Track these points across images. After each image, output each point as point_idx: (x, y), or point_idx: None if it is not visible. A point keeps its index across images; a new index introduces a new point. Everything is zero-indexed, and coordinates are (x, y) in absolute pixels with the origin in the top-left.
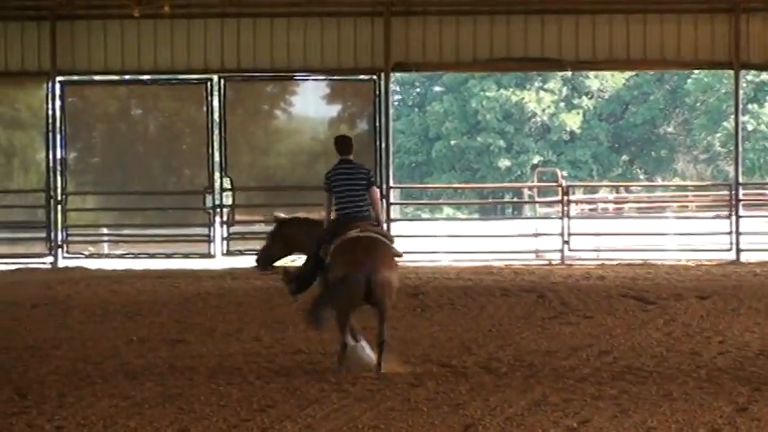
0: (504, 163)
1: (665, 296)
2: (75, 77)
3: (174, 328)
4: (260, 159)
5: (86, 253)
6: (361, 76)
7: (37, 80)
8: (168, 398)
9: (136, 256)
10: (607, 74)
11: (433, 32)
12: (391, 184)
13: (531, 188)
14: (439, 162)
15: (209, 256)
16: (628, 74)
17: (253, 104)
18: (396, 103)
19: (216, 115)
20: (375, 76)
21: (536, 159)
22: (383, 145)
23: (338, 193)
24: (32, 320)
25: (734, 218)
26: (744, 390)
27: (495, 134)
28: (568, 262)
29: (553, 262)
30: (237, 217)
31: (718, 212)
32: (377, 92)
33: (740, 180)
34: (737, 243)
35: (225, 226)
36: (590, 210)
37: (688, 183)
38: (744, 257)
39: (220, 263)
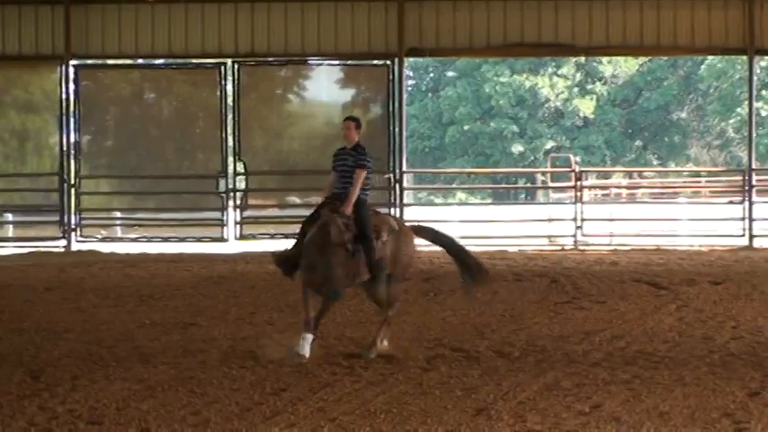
0: (518, 148)
1: (678, 281)
2: (89, 61)
3: (187, 312)
4: (273, 144)
5: (99, 236)
6: (375, 61)
7: (51, 64)
8: (181, 381)
9: (149, 239)
10: (620, 59)
11: (447, 18)
12: (404, 168)
13: (544, 173)
14: (452, 147)
15: (222, 240)
16: (641, 59)
17: (266, 89)
18: (409, 88)
19: (230, 99)
20: (389, 61)
21: (549, 145)
22: (396, 130)
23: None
24: (46, 303)
25: (747, 203)
26: (756, 375)
27: (509, 119)
28: (581, 247)
29: (566, 247)
30: (251, 201)
31: (732, 198)
32: (390, 77)
33: (753, 166)
34: (750, 228)
35: (238, 210)
36: (603, 195)
37: (701, 168)
38: (757, 243)
39: (233, 247)
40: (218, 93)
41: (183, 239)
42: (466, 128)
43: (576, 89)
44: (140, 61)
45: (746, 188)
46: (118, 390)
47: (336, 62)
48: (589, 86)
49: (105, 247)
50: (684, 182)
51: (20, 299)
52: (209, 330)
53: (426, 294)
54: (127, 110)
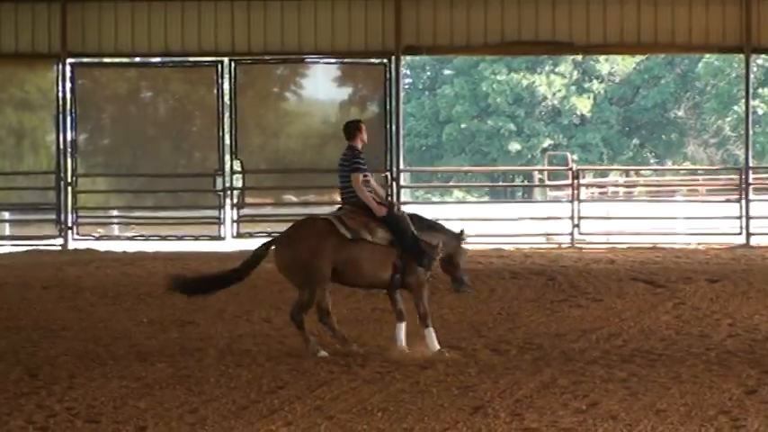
0: (515, 146)
1: (675, 279)
2: (86, 59)
3: (185, 310)
4: (270, 142)
5: (96, 235)
6: (372, 60)
7: (47, 62)
8: (178, 379)
9: (146, 238)
10: (618, 57)
11: (444, 15)
12: (401, 167)
13: (541, 171)
14: (449, 145)
15: (219, 238)
16: (638, 57)
17: (263, 87)
18: (406, 87)
19: (226, 98)
20: (386, 60)
21: (546, 143)
22: (393, 128)
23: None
24: (43, 302)
25: (744, 202)
26: (753, 372)
27: (506, 117)
28: (578, 245)
29: (563, 245)
30: (248, 199)
31: (728, 196)
32: (387, 75)
33: (750, 164)
34: (747, 227)
35: (235, 208)
36: (600, 193)
37: (698, 167)
38: (754, 241)
39: (230, 245)
40: (215, 91)
41: (180, 238)
42: (463, 126)
43: (573, 87)
44: (137, 59)
45: (743, 186)
46: (115, 388)
47: (333, 60)
48: (586, 84)
49: (102, 246)
50: (681, 180)
51: (17, 297)
52: (206, 328)
53: None
54: (123, 108)
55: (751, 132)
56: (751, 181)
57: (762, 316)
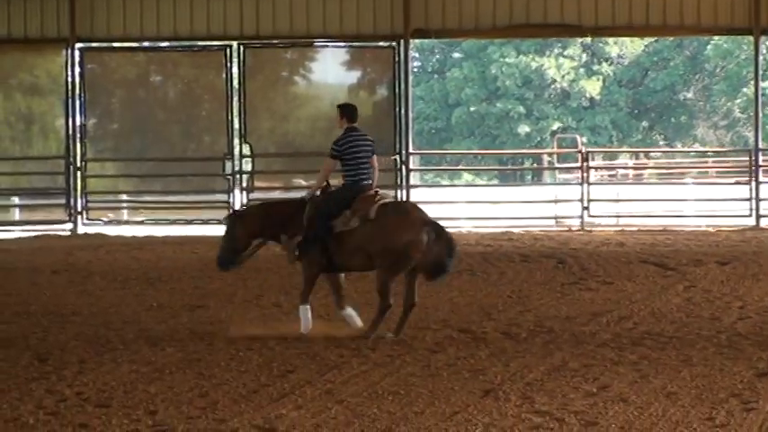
0: (524, 129)
1: (685, 262)
2: (95, 44)
3: (194, 294)
4: (279, 126)
5: (106, 219)
6: (381, 43)
7: (56, 47)
8: (188, 363)
9: (155, 222)
10: (626, 40)
11: None
12: (411, 150)
13: (550, 154)
14: (458, 128)
15: None
16: (647, 40)
17: (272, 71)
18: (415, 70)
19: (235, 82)
20: (394, 43)
21: (555, 125)
22: (402, 111)
23: (351, 161)
24: (53, 287)
25: (753, 184)
26: (764, 355)
27: (515, 100)
28: (588, 228)
29: (573, 228)
30: (257, 183)
31: (738, 178)
32: (396, 58)
33: (760, 146)
34: (757, 209)
35: (244, 192)
36: (609, 176)
37: (708, 149)
38: (763, 223)
39: None
40: (224, 75)
41: (189, 222)
42: (472, 109)
43: (582, 70)
44: (146, 44)
45: (753, 168)
46: (125, 372)
47: (342, 44)
48: (595, 67)
49: (111, 231)
50: (691, 162)
51: (27, 282)
52: (216, 313)
53: None
54: (132, 93)
55: (760, 114)
56: (761, 163)
57: None
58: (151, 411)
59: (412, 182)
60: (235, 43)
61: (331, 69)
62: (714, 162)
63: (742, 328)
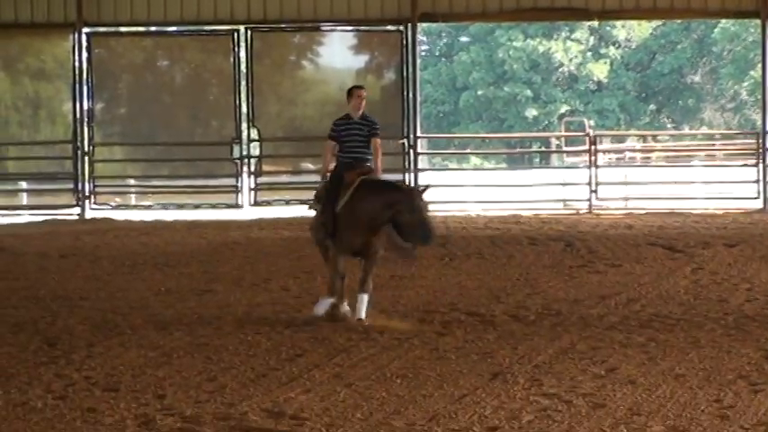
0: (532, 113)
1: (693, 244)
2: (102, 29)
3: (203, 279)
4: (287, 110)
5: (113, 204)
6: (388, 27)
7: (63, 31)
8: (197, 347)
9: (163, 206)
10: (634, 23)
11: None
12: (418, 134)
13: (558, 138)
14: (466, 112)
15: (236, 206)
16: (655, 23)
17: (279, 55)
18: (423, 54)
19: (243, 66)
20: (402, 27)
21: (563, 109)
22: (410, 95)
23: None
24: (61, 271)
25: (761, 166)
26: None
27: (523, 84)
28: (596, 211)
29: (581, 211)
30: (265, 167)
31: (746, 161)
32: (404, 42)
33: (767, 128)
34: (765, 191)
35: (252, 176)
36: (617, 159)
37: (715, 131)
38: None
39: (248, 213)
40: (232, 59)
41: (197, 206)
42: (480, 93)
43: (589, 53)
44: (153, 28)
45: (760, 151)
46: (134, 357)
47: (349, 28)
48: (603, 50)
49: (119, 215)
50: (698, 145)
51: (35, 267)
52: (224, 297)
53: (442, 259)
54: (140, 77)
55: None
56: None
57: None
58: (159, 395)
59: (420, 166)
60: (242, 27)
61: (338, 53)
62: (721, 145)
63: (749, 310)
